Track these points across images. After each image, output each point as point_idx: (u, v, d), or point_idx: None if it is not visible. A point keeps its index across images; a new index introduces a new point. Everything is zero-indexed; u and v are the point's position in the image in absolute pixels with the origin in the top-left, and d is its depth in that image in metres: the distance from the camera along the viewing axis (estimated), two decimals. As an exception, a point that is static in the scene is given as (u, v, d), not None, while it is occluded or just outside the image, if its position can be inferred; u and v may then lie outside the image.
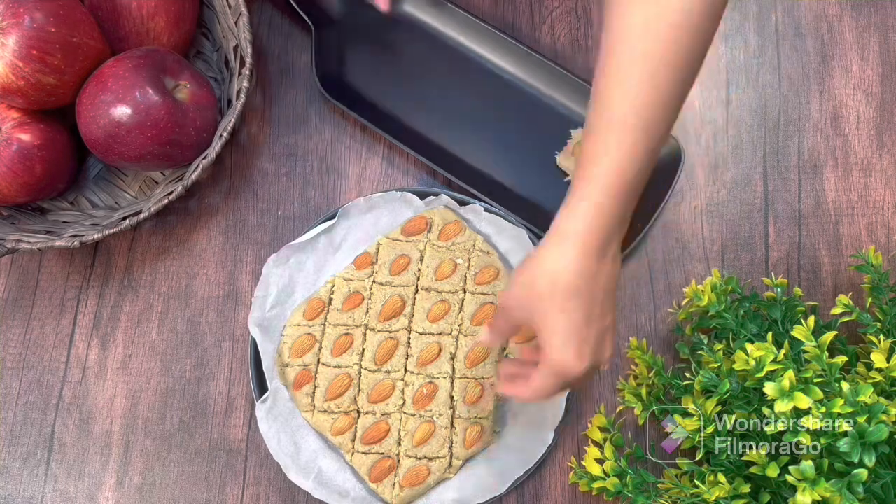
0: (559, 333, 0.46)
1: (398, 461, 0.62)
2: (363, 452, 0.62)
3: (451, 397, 0.63)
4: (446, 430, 0.62)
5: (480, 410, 0.62)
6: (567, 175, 0.69)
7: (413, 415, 0.62)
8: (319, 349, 0.64)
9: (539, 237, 0.66)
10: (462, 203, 0.67)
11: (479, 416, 0.62)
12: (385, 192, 0.67)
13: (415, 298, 0.65)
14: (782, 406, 0.46)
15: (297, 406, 0.64)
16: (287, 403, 0.64)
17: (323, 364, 0.64)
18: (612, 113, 0.45)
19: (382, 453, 0.62)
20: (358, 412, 0.63)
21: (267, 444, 0.62)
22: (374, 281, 0.66)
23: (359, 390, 0.63)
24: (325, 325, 0.65)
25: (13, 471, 0.66)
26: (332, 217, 0.67)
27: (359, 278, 0.66)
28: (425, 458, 0.61)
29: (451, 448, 0.62)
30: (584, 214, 0.46)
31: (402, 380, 0.63)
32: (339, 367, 0.64)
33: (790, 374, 0.47)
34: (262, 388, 0.64)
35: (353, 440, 0.62)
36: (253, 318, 0.65)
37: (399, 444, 0.62)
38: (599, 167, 0.45)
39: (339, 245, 0.68)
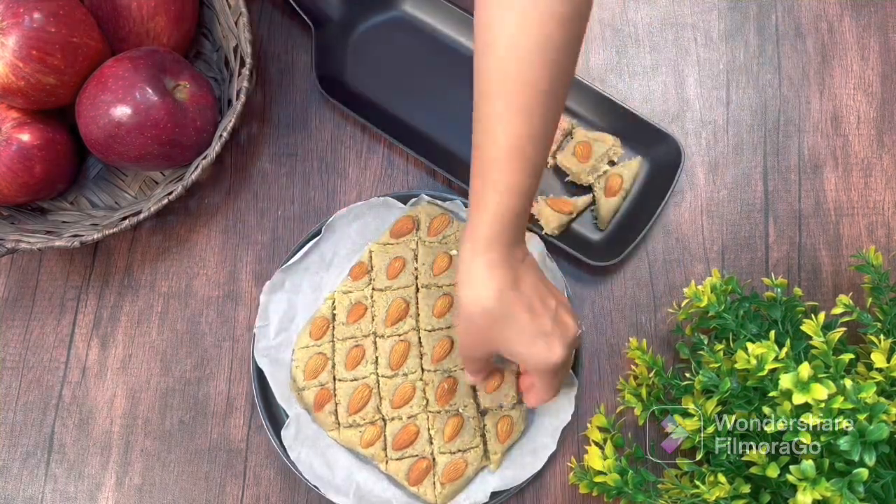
0: (521, 345, 0.51)
1: (434, 460, 0.62)
2: (397, 459, 0.62)
3: (473, 387, 0.63)
4: (475, 420, 0.62)
5: (504, 397, 0.62)
6: (568, 175, 0.69)
7: (439, 412, 0.62)
8: (333, 366, 0.64)
9: (533, 232, 0.66)
10: (443, 200, 0.67)
11: (503, 403, 0.62)
12: (366, 200, 0.67)
13: (417, 298, 0.65)
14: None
15: (322, 426, 0.63)
16: (311, 426, 0.63)
17: (339, 380, 0.63)
18: (490, 152, 0.49)
19: (416, 455, 0.62)
20: (384, 420, 0.63)
21: (300, 469, 0.61)
22: (373, 288, 0.65)
23: (380, 398, 0.63)
24: (333, 341, 0.65)
25: (13, 471, 0.66)
26: (318, 233, 0.67)
27: (358, 289, 0.66)
28: (459, 451, 0.62)
29: (483, 437, 0.62)
30: (483, 245, 0.49)
31: (421, 379, 0.63)
32: (356, 379, 0.63)
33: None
34: (272, 419, 0.63)
35: (385, 448, 0.62)
36: (259, 350, 0.64)
37: (431, 443, 0.62)
38: (489, 201, 0.49)
39: (331, 260, 0.67)
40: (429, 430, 0.62)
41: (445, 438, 0.62)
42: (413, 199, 0.67)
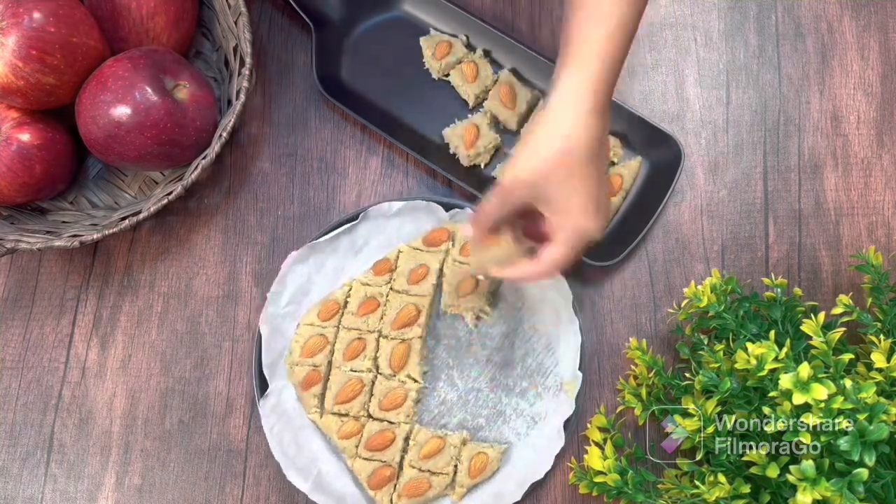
0: (580, 197, 0.47)
1: (399, 470, 0.61)
2: (365, 458, 0.62)
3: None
4: (455, 448, 0.61)
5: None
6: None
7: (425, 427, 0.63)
8: (331, 351, 0.64)
9: None
10: None
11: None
12: (410, 199, 0.67)
13: (430, 310, 0.65)
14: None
15: (304, 406, 0.63)
16: (293, 402, 0.63)
17: (335, 367, 0.64)
18: None
19: (384, 461, 0.61)
20: (369, 416, 0.63)
21: (268, 440, 0.62)
22: (391, 288, 0.65)
23: (371, 396, 0.63)
24: (338, 327, 0.65)
25: (13, 471, 0.66)
26: (355, 218, 0.66)
27: (376, 284, 0.65)
28: (429, 471, 0.61)
29: (455, 467, 0.61)
30: (587, 76, 0.46)
31: (416, 390, 0.63)
32: (352, 371, 0.63)
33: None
34: (263, 386, 0.64)
35: (358, 445, 0.62)
36: (267, 314, 0.64)
37: (403, 454, 0.62)
38: (592, 34, 0.46)
39: (360, 248, 0.67)
40: (406, 440, 0.62)
41: (421, 455, 0.61)
42: (454, 210, 0.66)
